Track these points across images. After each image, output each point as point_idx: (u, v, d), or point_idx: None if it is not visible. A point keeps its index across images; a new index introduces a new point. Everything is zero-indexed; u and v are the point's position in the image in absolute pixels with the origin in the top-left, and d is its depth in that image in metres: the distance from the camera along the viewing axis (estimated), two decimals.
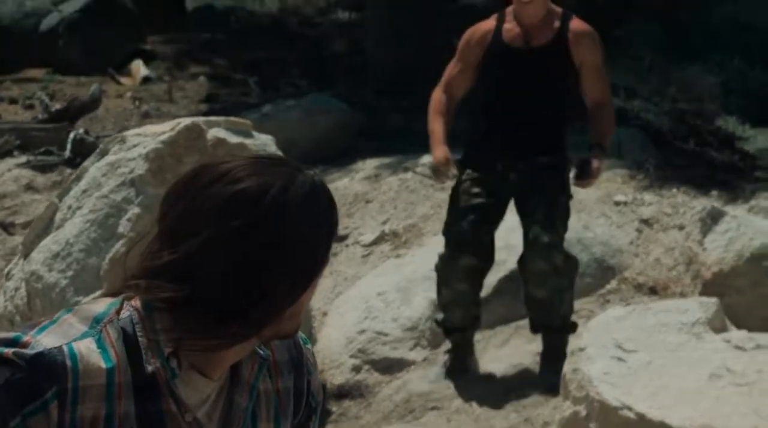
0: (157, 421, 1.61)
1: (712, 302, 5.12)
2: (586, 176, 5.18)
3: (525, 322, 5.53)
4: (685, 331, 4.91)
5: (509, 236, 5.60)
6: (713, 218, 6.07)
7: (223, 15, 13.65)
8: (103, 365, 1.58)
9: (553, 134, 5.19)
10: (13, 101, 10.60)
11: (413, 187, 7.14)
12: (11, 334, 1.58)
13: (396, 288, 5.95)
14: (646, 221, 6.50)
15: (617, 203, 6.65)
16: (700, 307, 5.06)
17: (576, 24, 5.14)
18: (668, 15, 8.41)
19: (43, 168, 8.33)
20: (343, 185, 7.38)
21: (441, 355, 5.56)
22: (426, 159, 7.48)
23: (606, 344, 4.80)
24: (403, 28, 10.47)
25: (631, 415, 4.41)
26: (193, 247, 1.56)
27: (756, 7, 8.18)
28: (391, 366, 5.64)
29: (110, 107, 10.25)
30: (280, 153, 5.01)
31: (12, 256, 6.53)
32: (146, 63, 11.90)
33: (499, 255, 5.68)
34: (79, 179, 5.30)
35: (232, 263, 1.55)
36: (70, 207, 5.22)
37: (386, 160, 7.75)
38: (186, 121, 5.29)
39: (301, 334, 1.79)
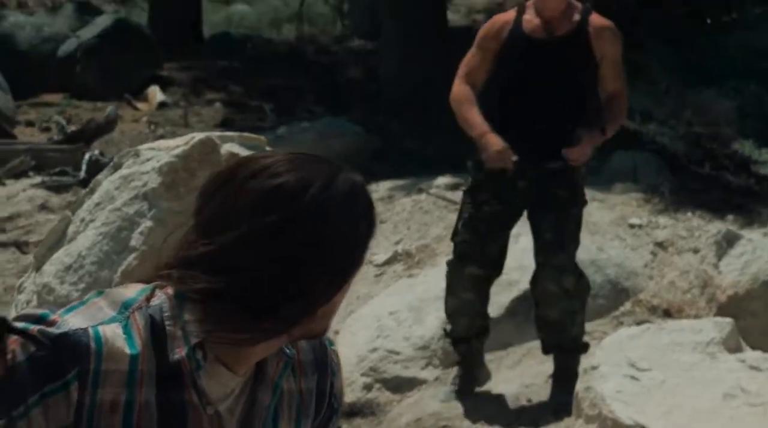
0: (179, 412, 1.59)
1: (726, 322, 5.08)
2: (573, 146, 4.97)
3: (537, 343, 5.49)
4: (700, 350, 4.86)
5: (523, 256, 5.57)
6: (729, 241, 6.05)
7: (239, 43, 13.73)
8: (128, 350, 1.56)
9: (569, 132, 5.04)
10: (29, 124, 10.66)
11: (427, 208, 7.13)
12: (39, 311, 1.57)
13: (408, 307, 5.92)
14: (660, 244, 6.46)
15: (632, 226, 6.62)
16: (715, 327, 5.02)
17: (596, 18, 5.09)
18: (685, 41, 8.41)
19: (57, 188, 8.36)
20: None
21: (453, 374, 5.51)
22: (440, 181, 7.49)
23: (619, 362, 4.76)
24: (417, 54, 10.55)
25: None
26: (229, 239, 1.54)
27: None
28: (402, 385, 5.60)
29: (126, 130, 10.30)
30: None
31: (24, 274, 6.54)
32: (162, 89, 11.97)
33: (511, 276, 5.66)
34: (92, 192, 5.29)
35: (268, 258, 1.53)
36: (82, 220, 5.21)
37: (400, 182, 7.76)
38: (200, 135, 5.28)
39: (326, 335, 1.77)
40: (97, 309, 1.58)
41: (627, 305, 6.06)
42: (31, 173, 8.67)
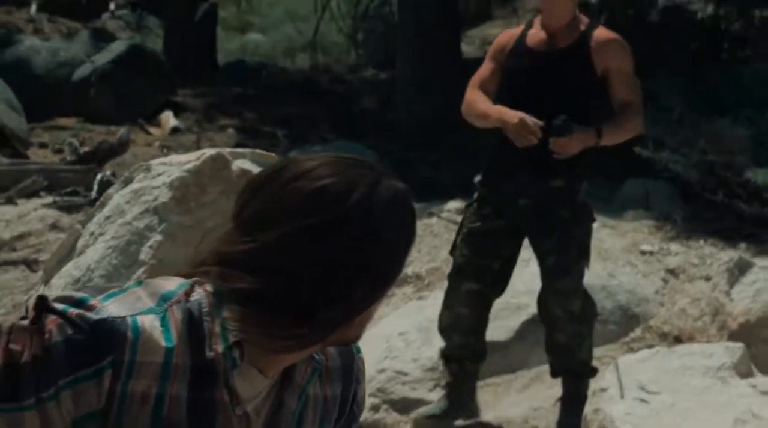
0: (208, 409, 1.58)
1: (737, 347, 5.05)
2: (561, 135, 4.73)
3: (546, 367, 5.45)
4: (711, 375, 4.83)
5: (532, 281, 5.53)
6: (741, 269, 6.02)
7: (254, 71, 13.76)
8: (164, 343, 1.55)
9: None
10: (42, 146, 10.69)
11: (437, 231, 7.11)
12: (78, 294, 1.56)
13: (417, 329, 5.89)
14: (672, 271, 6.43)
15: (643, 253, 6.59)
16: (726, 352, 4.99)
17: (600, 31, 4.98)
18: (698, 72, 8.42)
19: (69, 208, 8.35)
20: None
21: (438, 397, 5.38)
22: (451, 205, 7.47)
23: (629, 385, 4.73)
24: (432, 85, 10.60)
25: None
26: (271, 237, 1.53)
27: None
28: (409, 406, 5.56)
29: (138, 154, 10.30)
30: None
31: (33, 291, 6.54)
32: (176, 114, 11.99)
33: (520, 299, 5.62)
34: (102, 205, 5.29)
35: (309, 260, 1.52)
36: (92, 234, 5.20)
37: None
38: (211, 151, 5.28)
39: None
40: (136, 299, 1.57)
41: (637, 332, 6.02)
42: (42, 193, 8.66)
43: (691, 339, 5.91)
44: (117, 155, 9.49)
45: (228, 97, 12.79)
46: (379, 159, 9.01)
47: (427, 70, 10.95)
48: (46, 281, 5.30)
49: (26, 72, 12.21)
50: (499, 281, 5.07)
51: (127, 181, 5.33)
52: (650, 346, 5.77)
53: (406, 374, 5.69)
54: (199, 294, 1.58)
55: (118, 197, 5.25)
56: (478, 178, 5.09)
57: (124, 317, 1.53)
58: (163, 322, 1.56)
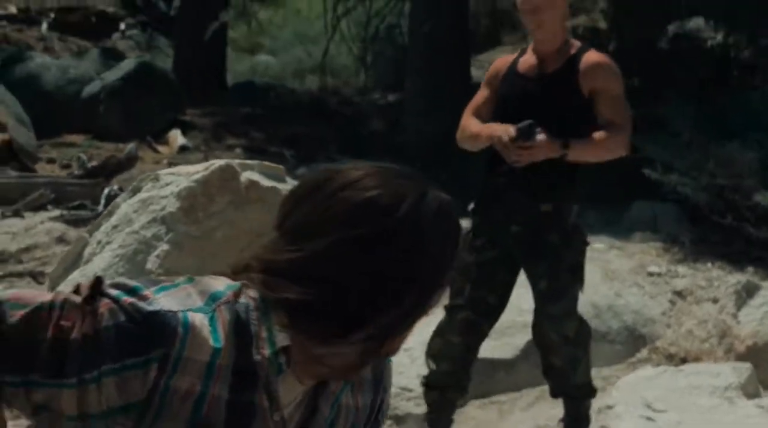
0: (247, 412, 1.57)
1: (745, 367, 5.03)
2: (525, 139, 4.63)
3: None
4: (718, 395, 4.81)
5: None
6: (748, 291, 6.00)
7: (263, 91, 13.79)
8: (211, 343, 1.54)
9: (558, 171, 4.79)
10: (51, 161, 10.70)
11: None
12: (132, 283, 1.55)
13: (423, 345, 5.84)
14: (679, 293, 6.41)
15: (651, 274, 6.57)
16: (733, 372, 4.96)
17: (590, 54, 4.88)
18: (707, 97, 8.42)
19: (75, 222, 8.35)
20: None
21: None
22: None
23: (635, 403, 4.71)
24: (441, 108, 10.60)
25: None
26: (318, 247, 1.52)
27: None
28: (414, 422, 5.53)
29: (146, 171, 10.30)
30: None
31: None
32: (184, 133, 12.01)
33: (526, 318, 5.58)
34: (110, 214, 5.29)
35: (358, 271, 1.52)
36: (99, 242, 5.20)
37: None
38: (220, 162, 5.28)
39: None
40: (187, 295, 1.57)
41: (644, 352, 5.99)
42: (49, 207, 8.67)
43: (697, 360, 5.88)
44: (125, 170, 9.50)
45: (236, 117, 12.81)
46: None
47: (436, 93, 10.98)
48: (52, 289, 5.29)
49: (36, 88, 12.24)
50: (493, 312, 5.01)
51: (136, 190, 5.33)
52: (657, 365, 5.75)
53: (410, 390, 5.66)
54: (246, 297, 1.58)
55: (125, 206, 5.25)
56: (471, 206, 5.04)
57: (175, 312, 1.53)
58: (212, 322, 1.55)
